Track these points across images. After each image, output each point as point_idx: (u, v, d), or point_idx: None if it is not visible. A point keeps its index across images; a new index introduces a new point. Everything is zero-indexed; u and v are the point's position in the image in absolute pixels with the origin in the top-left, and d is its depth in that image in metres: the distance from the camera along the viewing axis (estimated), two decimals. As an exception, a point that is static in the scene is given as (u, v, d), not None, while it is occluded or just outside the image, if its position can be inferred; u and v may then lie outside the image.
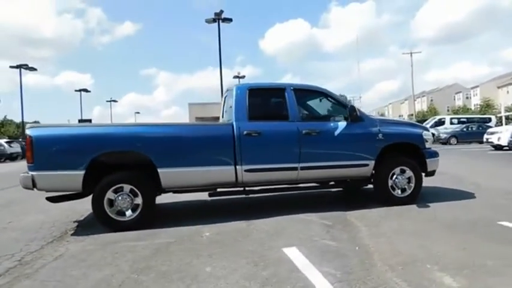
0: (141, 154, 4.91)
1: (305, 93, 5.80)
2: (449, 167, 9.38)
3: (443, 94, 74.30)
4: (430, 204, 5.65)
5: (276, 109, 5.63)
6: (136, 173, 4.97)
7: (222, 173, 5.16)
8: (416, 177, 5.79)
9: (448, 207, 5.49)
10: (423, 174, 5.97)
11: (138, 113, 72.31)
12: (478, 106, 54.21)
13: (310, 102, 5.95)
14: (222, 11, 26.45)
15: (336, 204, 5.96)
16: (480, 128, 25.53)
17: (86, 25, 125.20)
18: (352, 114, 5.44)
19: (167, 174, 4.98)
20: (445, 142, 25.58)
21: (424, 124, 15.78)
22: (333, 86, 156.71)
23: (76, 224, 5.40)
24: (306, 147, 5.40)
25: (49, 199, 5.00)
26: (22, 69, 34.30)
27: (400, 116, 71.10)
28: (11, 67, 34.92)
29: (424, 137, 5.93)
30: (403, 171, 5.78)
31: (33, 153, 4.67)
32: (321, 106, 5.89)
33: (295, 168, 5.38)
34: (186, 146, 5.09)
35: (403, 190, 5.79)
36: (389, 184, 5.71)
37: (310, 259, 3.51)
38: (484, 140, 18.21)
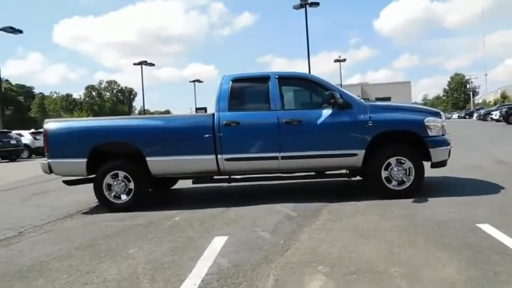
0: (131, 144, 5.50)
1: (291, 81, 5.68)
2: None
3: None
4: (429, 199, 5.10)
5: (258, 98, 5.64)
6: (128, 161, 5.58)
7: (204, 161, 5.46)
8: (416, 168, 5.24)
9: (441, 203, 4.88)
10: (429, 165, 5.36)
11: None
12: None
13: (296, 90, 5.79)
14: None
15: (329, 195, 5.76)
16: None
17: (209, 19, 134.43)
18: (331, 102, 5.16)
19: (154, 163, 5.49)
20: None
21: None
22: (455, 64, 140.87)
23: (96, 204, 6.31)
24: (287, 137, 5.34)
25: (65, 182, 5.96)
26: (157, 65, 38.36)
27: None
28: (134, 64, 38.86)
29: (426, 123, 5.27)
30: (400, 162, 5.28)
31: (48, 144, 5.64)
32: (308, 94, 5.69)
33: (275, 158, 5.37)
34: (171, 136, 5.52)
35: (401, 182, 5.30)
36: (384, 176, 5.28)
37: (226, 249, 3.64)
38: None
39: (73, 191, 6.67)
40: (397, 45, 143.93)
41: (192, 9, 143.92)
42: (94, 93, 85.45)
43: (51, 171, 5.67)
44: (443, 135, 5.49)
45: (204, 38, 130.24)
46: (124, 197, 5.57)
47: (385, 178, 5.30)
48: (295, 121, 5.32)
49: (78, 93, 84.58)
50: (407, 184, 5.28)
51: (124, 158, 5.61)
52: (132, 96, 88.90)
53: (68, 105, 76.86)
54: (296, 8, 26.17)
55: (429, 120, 5.30)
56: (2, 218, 5.68)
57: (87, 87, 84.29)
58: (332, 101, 5.14)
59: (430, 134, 5.28)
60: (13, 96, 71.17)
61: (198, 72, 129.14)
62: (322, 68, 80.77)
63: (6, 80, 75.23)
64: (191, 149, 5.47)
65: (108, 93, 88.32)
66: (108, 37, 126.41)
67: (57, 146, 5.62)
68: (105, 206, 5.60)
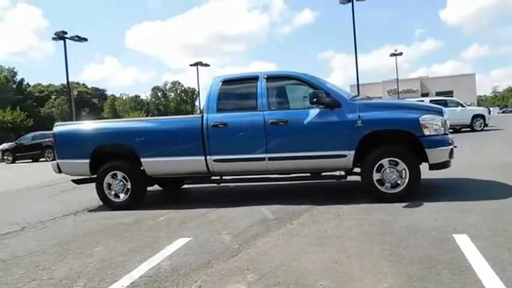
0: (127, 146, 5.74)
1: (279, 80, 5.52)
2: None
3: None
4: (423, 203, 4.69)
5: (246, 99, 5.53)
6: (126, 162, 5.82)
7: (195, 162, 5.52)
8: (410, 170, 4.84)
9: (432, 209, 4.46)
10: (428, 167, 4.93)
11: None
12: None
13: (284, 90, 5.60)
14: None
15: (322, 196, 5.56)
16: None
17: (271, 18, 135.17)
18: (313, 101, 4.92)
19: (149, 163, 5.68)
20: None
21: None
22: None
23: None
24: (273, 137, 5.22)
25: (73, 181, 6.37)
26: (219, 65, 39.25)
27: None
28: (191, 65, 39.96)
29: (422, 122, 4.82)
30: (394, 163, 4.91)
31: (56, 145, 6.08)
32: (297, 94, 5.49)
33: (262, 159, 5.28)
34: (163, 138, 5.66)
35: (395, 185, 4.93)
36: (376, 178, 4.94)
37: (179, 251, 3.68)
38: None
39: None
40: (465, 36, 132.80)
41: (254, 8, 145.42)
42: (159, 94, 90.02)
43: (60, 170, 6.10)
44: (445, 134, 5.00)
45: (265, 37, 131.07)
46: (122, 196, 5.83)
47: (378, 180, 4.96)
48: (282, 121, 5.18)
49: (145, 94, 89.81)
50: (402, 187, 4.90)
51: (122, 159, 5.86)
52: (194, 96, 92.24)
53: (136, 106, 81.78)
54: (343, 3, 25.16)
55: (426, 119, 4.85)
56: (19, 213, 6.23)
57: (153, 88, 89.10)
58: (315, 100, 4.91)
59: (426, 133, 4.83)
60: (88, 98, 77.51)
61: (260, 71, 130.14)
62: (383, 62, 77.28)
63: (83, 84, 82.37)
64: (182, 150, 5.57)
65: (172, 94, 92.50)
66: (174, 39, 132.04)
67: (64, 147, 6.04)
68: (105, 204, 5.91)
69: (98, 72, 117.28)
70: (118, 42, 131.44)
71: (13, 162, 21.78)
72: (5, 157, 21.67)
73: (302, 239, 3.80)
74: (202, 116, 5.50)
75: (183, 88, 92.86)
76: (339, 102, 5.06)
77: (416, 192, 5.00)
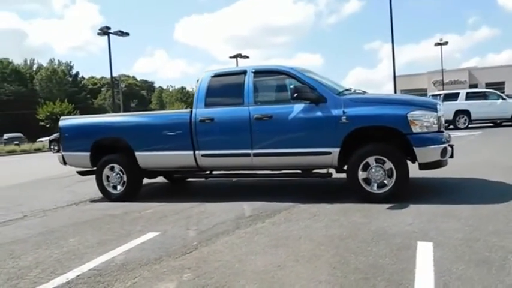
0: (123, 140, 5.90)
1: (266, 75, 5.38)
2: None
3: None
4: (410, 205, 4.42)
5: (233, 94, 5.42)
6: (122, 155, 5.99)
7: (184, 157, 5.57)
8: (397, 170, 4.56)
9: (414, 212, 4.18)
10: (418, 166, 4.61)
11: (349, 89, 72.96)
12: None
13: (271, 85, 5.45)
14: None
15: (312, 194, 5.41)
16: None
17: (316, 8, 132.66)
18: (294, 97, 4.75)
19: (142, 157, 5.81)
20: None
21: None
22: None
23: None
24: (258, 133, 5.12)
25: (78, 172, 6.66)
26: (265, 56, 39.27)
27: None
28: (230, 57, 40.27)
29: (410, 118, 4.49)
30: (381, 162, 4.65)
31: (61, 138, 6.39)
32: (284, 88, 5.32)
33: (248, 155, 5.21)
34: (155, 132, 5.75)
35: (383, 185, 4.67)
36: (362, 177, 4.71)
37: (139, 246, 3.74)
38: None
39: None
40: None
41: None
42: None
43: (65, 162, 6.41)
44: (439, 131, 4.65)
45: (311, 27, 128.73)
46: (119, 188, 6.03)
47: (364, 179, 4.72)
48: (266, 117, 5.07)
49: (191, 86, 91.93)
50: (388, 187, 4.63)
51: (119, 153, 6.04)
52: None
53: (182, 97, 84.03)
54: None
55: (415, 115, 4.52)
56: (31, 201, 6.64)
57: (197, 80, 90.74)
58: (295, 95, 4.74)
59: (415, 130, 4.51)
60: (137, 90, 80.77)
61: (305, 62, 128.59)
62: (433, 53, 72.78)
63: (133, 76, 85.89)
64: (173, 144, 5.62)
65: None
66: (221, 32, 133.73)
67: (68, 140, 6.33)
68: (104, 195, 6.14)
69: (148, 64, 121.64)
70: (167, 35, 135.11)
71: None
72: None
73: (263, 239, 3.71)
74: (191, 111, 5.52)
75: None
76: (324, 97, 4.85)
77: (406, 193, 4.72)
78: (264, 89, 5.45)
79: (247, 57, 39.15)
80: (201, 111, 5.43)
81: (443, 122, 4.90)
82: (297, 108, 4.95)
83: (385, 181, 4.65)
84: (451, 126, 18.00)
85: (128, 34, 29.70)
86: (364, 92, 5.48)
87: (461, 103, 17.41)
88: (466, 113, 17.30)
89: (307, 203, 4.93)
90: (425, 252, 3.06)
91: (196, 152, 5.46)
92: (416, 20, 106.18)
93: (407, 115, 4.52)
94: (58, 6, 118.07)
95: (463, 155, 9.13)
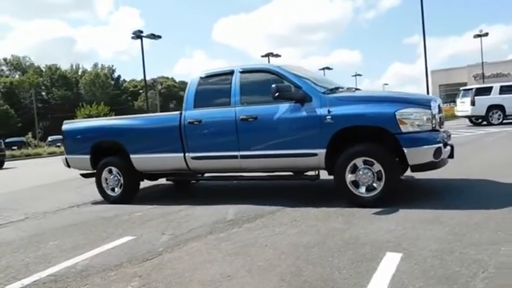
0: (118, 143, 5.95)
1: (253, 74, 5.20)
2: None
3: None
4: (400, 210, 4.12)
5: (221, 95, 5.27)
6: (118, 158, 6.05)
7: (175, 160, 5.53)
8: (386, 172, 4.25)
9: (400, 219, 3.86)
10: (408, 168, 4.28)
11: (386, 84, 70.84)
12: None
13: (258, 84, 5.22)
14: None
15: (303, 198, 5.20)
16: None
17: (354, 4, 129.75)
18: (275, 96, 4.54)
19: (137, 160, 5.83)
20: None
21: None
22: None
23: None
24: (244, 134, 4.98)
25: (82, 175, 6.81)
26: (302, 54, 38.91)
27: None
28: (262, 56, 40.08)
29: (399, 117, 4.16)
30: (369, 164, 4.35)
31: (64, 141, 6.57)
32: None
33: (235, 157, 5.08)
34: (147, 135, 5.76)
35: (371, 188, 4.38)
36: (349, 179, 4.44)
37: (109, 251, 3.72)
38: None
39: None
40: None
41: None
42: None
43: (68, 165, 6.58)
44: (433, 130, 4.28)
45: (348, 24, 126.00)
46: (117, 190, 6.10)
47: (352, 182, 4.45)
48: (251, 118, 4.91)
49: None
50: (377, 190, 4.33)
51: (116, 155, 6.11)
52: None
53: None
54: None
55: (404, 113, 4.19)
56: (39, 202, 6.87)
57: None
58: (277, 95, 4.54)
59: (404, 129, 4.17)
60: (176, 91, 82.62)
61: (343, 58, 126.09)
62: (477, 45, 68.35)
63: (172, 78, 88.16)
64: (164, 147, 5.60)
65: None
66: (259, 31, 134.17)
67: (70, 143, 6.49)
68: (103, 197, 6.24)
69: (187, 65, 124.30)
70: (206, 36, 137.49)
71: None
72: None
73: (229, 245, 3.57)
74: (181, 113, 5.47)
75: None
76: (309, 96, 4.62)
77: (399, 196, 4.42)
78: (250, 89, 5.25)
79: (279, 55, 38.92)
80: (189, 113, 5.36)
81: (441, 120, 4.52)
82: (282, 108, 4.75)
83: (374, 184, 4.35)
84: (484, 122, 16.89)
85: (159, 37, 30.44)
86: (357, 90, 5.18)
87: (494, 97, 16.30)
88: (500, 107, 16.17)
89: (294, 207, 4.73)
90: (388, 265, 2.80)
91: (186, 154, 5.41)
92: (460, 11, 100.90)
93: (396, 113, 4.19)
94: (103, 13, 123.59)
95: (481, 153, 8.50)
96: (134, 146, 5.82)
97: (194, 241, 3.80)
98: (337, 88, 5.04)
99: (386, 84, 75.51)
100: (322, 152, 4.54)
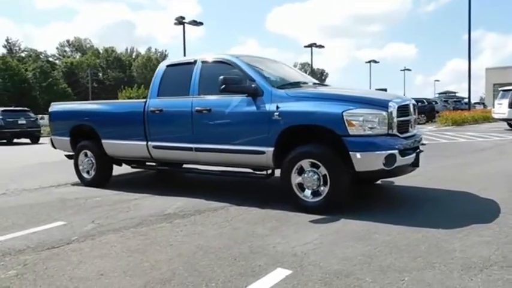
0: (92, 127, 5.98)
1: (213, 65, 4.91)
2: None
3: None
4: (341, 220, 3.73)
5: (182, 85, 5.01)
6: (92, 142, 6.08)
7: (139, 147, 5.44)
8: (332, 177, 3.86)
9: (335, 230, 3.50)
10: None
11: (437, 80, 66.43)
12: None
13: (217, 76, 4.87)
14: None
15: (259, 196, 4.89)
16: None
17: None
18: (221, 89, 4.25)
19: (107, 145, 5.82)
20: None
21: None
22: None
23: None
24: (198, 126, 4.77)
25: (66, 156, 6.94)
26: (357, 46, 38.08)
27: None
28: (305, 47, 39.12)
29: (347, 117, 3.72)
30: (316, 166, 3.98)
31: (50, 123, 6.73)
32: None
33: (190, 149, 4.89)
34: (115, 121, 5.72)
35: (316, 193, 4.01)
36: (296, 181, 4.10)
37: (33, 235, 3.71)
38: None
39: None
40: None
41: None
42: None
43: (53, 145, 6.75)
44: (388, 134, 3.81)
45: (405, 16, 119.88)
46: (91, 173, 6.15)
47: (298, 185, 4.10)
48: (205, 110, 4.68)
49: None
50: (322, 196, 3.96)
51: (90, 139, 6.14)
52: (323, 77, 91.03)
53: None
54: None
55: (354, 114, 3.74)
56: (27, 180, 7.09)
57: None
58: (223, 87, 4.25)
59: (352, 132, 3.74)
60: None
61: (396, 52, 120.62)
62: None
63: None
64: (130, 134, 5.53)
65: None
66: (313, 21, 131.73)
67: (55, 125, 6.64)
68: (79, 179, 6.32)
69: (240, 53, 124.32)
70: (259, 25, 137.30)
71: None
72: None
73: (137, 241, 3.42)
74: (146, 101, 5.36)
75: (311, 69, 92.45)
76: (261, 90, 4.30)
77: (350, 204, 4.04)
78: (209, 80, 4.93)
79: (323, 46, 37.85)
80: (153, 102, 5.24)
81: (406, 123, 4.05)
82: (235, 101, 4.47)
83: (320, 189, 3.98)
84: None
85: (201, 24, 30.65)
86: (323, 86, 4.76)
87: None
88: None
89: (242, 206, 4.46)
90: (264, 284, 2.50)
91: (149, 143, 5.30)
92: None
93: (344, 114, 3.76)
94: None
95: (493, 162, 7.57)
96: (104, 130, 5.81)
97: (112, 233, 3.68)
98: (297, 83, 4.66)
99: (437, 80, 71.12)
100: (270, 150, 4.22)
